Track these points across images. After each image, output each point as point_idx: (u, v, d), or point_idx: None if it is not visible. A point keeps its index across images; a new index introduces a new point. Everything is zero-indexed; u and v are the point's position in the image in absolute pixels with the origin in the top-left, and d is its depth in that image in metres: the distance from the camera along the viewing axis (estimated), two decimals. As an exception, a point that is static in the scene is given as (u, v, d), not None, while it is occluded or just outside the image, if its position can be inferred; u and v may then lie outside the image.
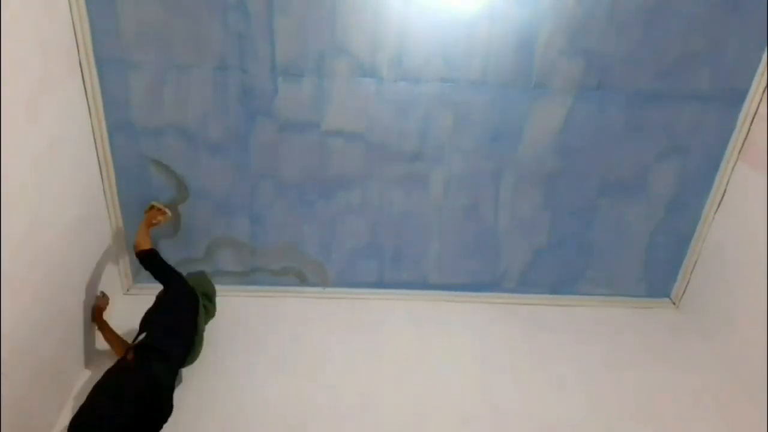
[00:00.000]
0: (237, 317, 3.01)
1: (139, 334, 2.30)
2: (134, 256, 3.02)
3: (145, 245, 2.55)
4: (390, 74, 2.72)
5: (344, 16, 2.58)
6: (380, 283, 3.28)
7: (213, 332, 2.88)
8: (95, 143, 2.71)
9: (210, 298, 2.72)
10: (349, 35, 2.62)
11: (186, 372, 2.62)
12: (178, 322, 2.37)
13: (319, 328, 2.98)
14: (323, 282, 3.27)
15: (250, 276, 3.21)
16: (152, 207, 2.83)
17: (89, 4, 2.47)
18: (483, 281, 3.30)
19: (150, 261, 2.52)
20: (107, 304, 2.70)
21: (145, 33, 2.56)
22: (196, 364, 2.67)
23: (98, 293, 2.69)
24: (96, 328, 2.64)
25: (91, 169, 2.70)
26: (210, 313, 2.70)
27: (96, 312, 2.62)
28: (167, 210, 2.85)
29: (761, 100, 2.77)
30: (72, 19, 2.44)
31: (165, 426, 2.32)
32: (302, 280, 3.25)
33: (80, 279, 2.57)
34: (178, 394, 2.49)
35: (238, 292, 3.18)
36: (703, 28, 2.67)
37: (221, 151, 2.85)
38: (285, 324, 2.99)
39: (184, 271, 3.03)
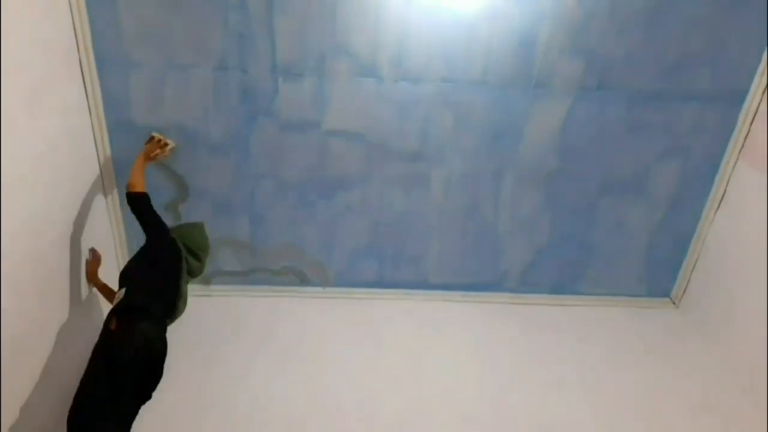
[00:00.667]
0: (237, 317, 3.01)
1: (119, 288, 2.20)
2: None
3: (139, 187, 2.40)
4: (390, 74, 2.72)
5: (345, 16, 2.58)
6: (380, 283, 3.28)
7: (213, 332, 2.89)
8: (95, 143, 2.71)
9: (197, 255, 2.52)
10: (350, 35, 2.62)
11: (186, 372, 2.62)
12: (159, 278, 2.23)
13: (319, 328, 2.98)
14: (323, 282, 3.27)
15: (250, 276, 3.21)
16: (151, 138, 2.64)
17: (89, 4, 2.47)
18: (483, 281, 3.30)
19: (139, 205, 2.38)
20: (99, 262, 2.64)
21: (145, 33, 2.56)
22: (197, 364, 2.68)
23: (90, 252, 2.62)
24: (93, 284, 2.62)
25: (91, 169, 2.70)
26: (195, 271, 2.52)
27: (89, 272, 2.59)
28: (168, 141, 2.67)
29: (761, 100, 2.77)
30: (72, 19, 2.44)
31: (162, 424, 2.33)
32: (302, 280, 3.25)
33: (80, 278, 2.57)
34: (178, 394, 2.49)
35: (238, 292, 3.18)
36: (703, 28, 2.67)
37: (221, 151, 2.86)
38: (285, 324, 2.99)
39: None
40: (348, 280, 3.26)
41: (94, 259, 2.66)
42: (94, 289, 2.69)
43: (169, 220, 2.99)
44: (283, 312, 3.08)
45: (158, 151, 2.65)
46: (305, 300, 3.19)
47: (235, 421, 2.43)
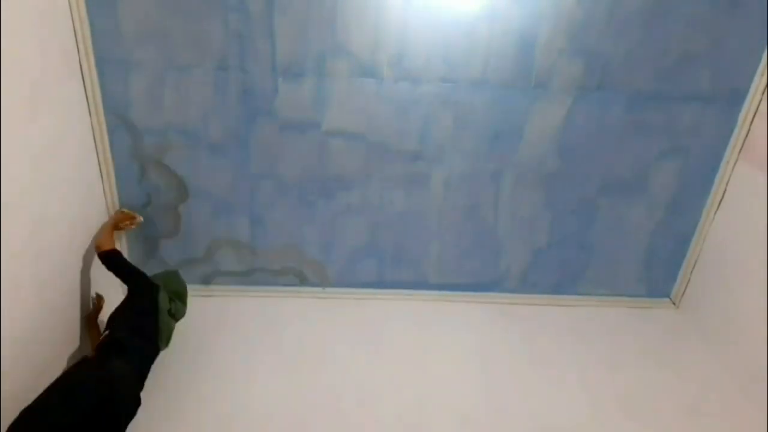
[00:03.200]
0: (237, 317, 3.01)
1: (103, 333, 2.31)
2: (133, 256, 3.04)
3: (107, 246, 2.54)
4: (390, 74, 2.72)
5: (345, 15, 2.58)
6: (380, 283, 3.28)
7: (213, 332, 2.89)
8: (95, 143, 2.71)
9: (180, 297, 2.70)
10: (350, 35, 2.62)
11: (186, 372, 2.62)
12: (139, 319, 2.37)
13: (319, 328, 2.98)
14: (323, 282, 3.27)
15: (250, 276, 3.21)
16: (121, 212, 2.84)
17: (89, 4, 2.47)
18: (483, 281, 3.30)
19: (111, 262, 2.52)
20: (102, 306, 2.68)
21: (145, 33, 2.56)
22: (196, 364, 2.68)
23: (93, 296, 2.68)
24: (87, 328, 2.62)
25: (91, 169, 2.70)
26: (180, 313, 2.67)
27: (89, 318, 2.61)
28: (136, 216, 2.83)
29: (761, 100, 2.77)
30: (72, 19, 2.44)
31: (163, 424, 2.32)
32: (302, 280, 3.25)
33: (80, 279, 2.57)
34: (178, 394, 2.50)
35: (238, 292, 3.18)
36: (703, 28, 2.67)
37: (221, 151, 2.86)
38: (285, 324, 2.99)
39: (186, 270, 3.05)
40: (348, 280, 3.26)
41: (97, 304, 2.68)
42: (93, 296, 2.70)
43: (169, 222, 3.00)
44: (283, 312, 3.08)
45: (127, 222, 2.79)
46: (305, 300, 3.19)
47: (235, 422, 2.43)
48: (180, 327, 2.86)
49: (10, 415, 2.00)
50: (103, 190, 2.82)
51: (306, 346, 2.85)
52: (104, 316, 2.64)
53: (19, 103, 2.04)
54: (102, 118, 2.69)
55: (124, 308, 2.42)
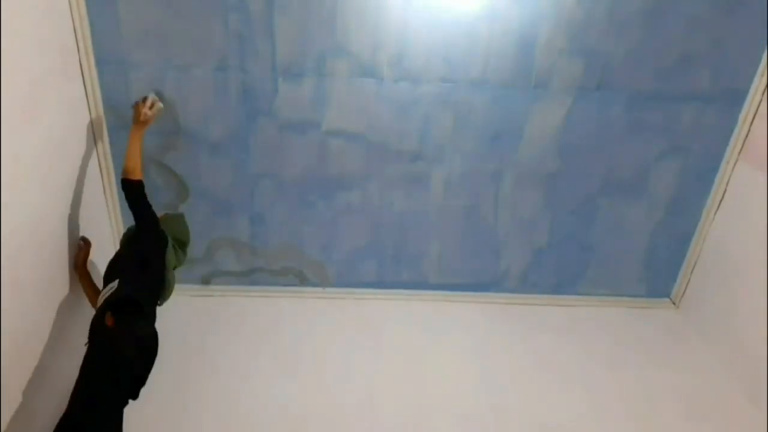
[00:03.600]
0: (237, 317, 3.01)
1: (107, 280, 2.14)
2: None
3: (137, 174, 2.30)
4: (390, 74, 2.72)
5: (345, 16, 2.58)
6: (380, 283, 3.28)
7: (213, 332, 2.89)
8: (95, 143, 2.71)
9: (183, 245, 2.54)
10: (350, 35, 2.62)
11: (186, 372, 2.62)
12: (149, 270, 2.20)
13: (319, 328, 2.98)
14: (323, 282, 3.27)
15: (250, 276, 3.21)
16: (136, 104, 2.48)
17: (89, 4, 2.47)
18: (483, 281, 3.30)
19: (135, 194, 2.30)
20: (88, 252, 2.51)
21: (145, 33, 2.56)
22: (196, 364, 2.68)
23: (80, 241, 2.52)
24: (78, 276, 2.49)
25: (91, 169, 2.70)
26: (180, 261, 2.51)
27: (78, 262, 2.45)
28: (155, 100, 2.48)
29: (761, 100, 2.77)
30: (72, 19, 2.44)
31: (162, 424, 2.32)
32: (302, 280, 3.25)
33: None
34: (178, 394, 2.50)
35: (238, 292, 3.18)
36: (703, 28, 2.67)
37: (221, 151, 2.86)
38: (285, 324, 2.99)
39: (186, 270, 3.03)
40: (348, 280, 3.26)
41: (85, 247, 2.53)
42: (79, 241, 2.56)
43: (169, 220, 3.00)
44: (283, 312, 3.08)
45: (147, 112, 2.45)
46: (305, 300, 3.19)
47: (235, 422, 2.43)
48: (180, 327, 2.87)
49: (10, 415, 2.00)
50: (103, 190, 2.82)
51: (306, 346, 2.85)
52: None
53: (19, 103, 2.04)
54: (102, 118, 2.69)
55: (132, 257, 2.22)
